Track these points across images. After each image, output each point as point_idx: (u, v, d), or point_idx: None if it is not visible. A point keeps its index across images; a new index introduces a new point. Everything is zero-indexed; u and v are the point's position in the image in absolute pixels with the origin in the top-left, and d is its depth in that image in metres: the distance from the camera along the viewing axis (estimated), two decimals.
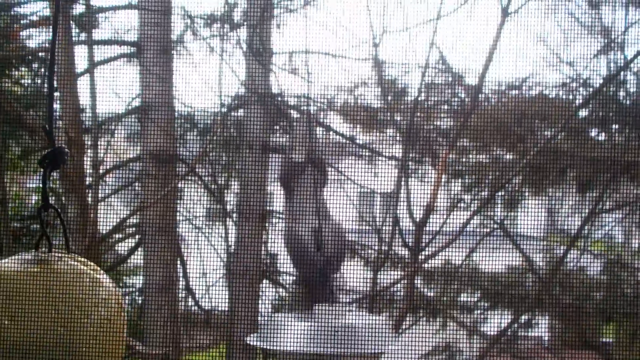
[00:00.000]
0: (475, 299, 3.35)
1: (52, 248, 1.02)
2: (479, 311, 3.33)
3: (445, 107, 3.18)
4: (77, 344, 0.94)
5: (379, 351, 1.62)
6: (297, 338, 1.59)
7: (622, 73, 2.97)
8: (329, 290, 1.80)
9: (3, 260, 0.98)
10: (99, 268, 1.02)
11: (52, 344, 0.93)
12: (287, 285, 3.02)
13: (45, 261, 0.98)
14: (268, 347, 1.62)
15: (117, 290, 1.01)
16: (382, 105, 3.11)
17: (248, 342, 1.67)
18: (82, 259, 1.02)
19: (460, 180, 3.16)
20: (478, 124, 2.92)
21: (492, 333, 3.25)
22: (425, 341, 3.19)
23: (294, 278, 2.18)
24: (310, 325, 1.61)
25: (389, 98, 3.09)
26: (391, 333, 1.67)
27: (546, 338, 3.48)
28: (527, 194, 3.21)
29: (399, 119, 3.09)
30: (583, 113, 3.07)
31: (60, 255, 1.00)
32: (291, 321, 1.65)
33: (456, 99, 3.14)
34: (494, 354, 3.18)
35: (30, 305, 0.93)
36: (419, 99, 2.90)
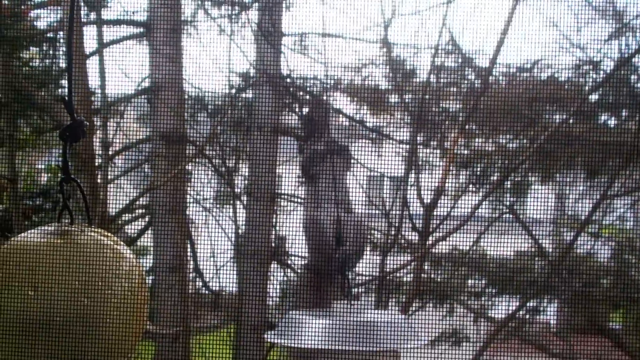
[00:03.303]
0: (483, 283, 3.34)
1: (73, 220, 1.01)
2: (486, 297, 3.33)
3: (455, 89, 3.16)
4: (100, 315, 0.93)
5: (398, 348, 1.61)
6: (315, 334, 1.58)
7: (635, 57, 2.94)
8: (346, 286, 1.79)
9: (26, 232, 0.98)
10: (120, 241, 1.01)
11: (76, 315, 0.92)
12: (297, 270, 3.01)
13: (67, 233, 0.97)
14: (286, 344, 1.62)
15: (139, 263, 1.01)
16: (392, 87, 3.09)
17: (266, 339, 1.66)
18: (104, 232, 1.01)
19: (470, 165, 3.15)
20: (488, 107, 2.90)
21: (500, 317, 3.24)
22: (434, 325, 3.19)
23: (306, 262, 2.17)
24: (328, 322, 1.61)
25: (399, 80, 3.08)
26: (410, 330, 1.66)
27: (553, 323, 3.48)
28: (536, 178, 3.20)
29: (408, 100, 3.07)
30: (594, 97, 3.05)
31: (82, 227, 1.00)
32: (308, 318, 1.64)
33: (466, 82, 3.12)
34: (501, 338, 3.18)
35: (54, 277, 0.92)
36: (429, 81, 2.88)
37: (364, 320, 1.59)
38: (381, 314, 1.84)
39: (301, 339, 1.58)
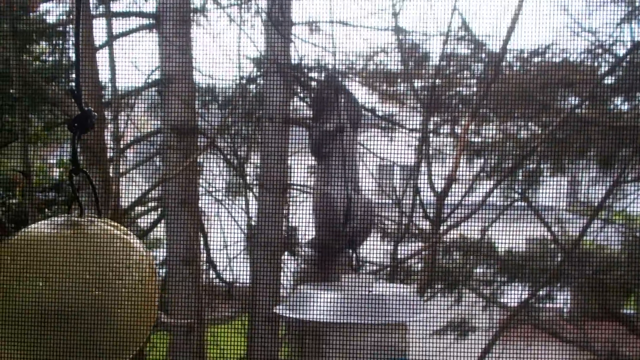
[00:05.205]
0: (495, 271, 3.33)
1: (83, 211, 1.01)
2: (498, 283, 3.32)
3: (467, 74, 3.14)
4: (111, 306, 0.94)
5: (407, 320, 1.61)
6: (324, 308, 1.59)
7: None
8: (355, 261, 1.80)
9: (36, 224, 0.98)
10: (129, 232, 1.02)
11: (87, 306, 0.93)
12: (303, 250, 3.01)
13: (77, 224, 0.98)
14: (296, 317, 1.62)
15: (149, 254, 1.01)
16: (403, 74, 3.07)
17: (275, 312, 1.68)
18: (114, 223, 1.01)
19: (481, 152, 3.13)
20: (500, 93, 2.88)
21: (513, 304, 3.23)
22: (446, 313, 3.19)
23: (311, 238, 2.17)
24: (337, 296, 1.61)
25: (410, 65, 3.06)
26: (418, 301, 1.66)
27: (566, 310, 3.46)
28: (549, 165, 3.17)
29: (419, 87, 3.05)
30: (609, 80, 3.02)
31: (91, 218, 1.00)
32: (317, 292, 1.65)
33: (478, 66, 3.10)
34: (514, 324, 3.17)
35: (64, 268, 0.93)
36: (440, 66, 2.86)
37: (372, 293, 1.60)
38: (389, 287, 1.84)
39: (310, 313, 1.59)
